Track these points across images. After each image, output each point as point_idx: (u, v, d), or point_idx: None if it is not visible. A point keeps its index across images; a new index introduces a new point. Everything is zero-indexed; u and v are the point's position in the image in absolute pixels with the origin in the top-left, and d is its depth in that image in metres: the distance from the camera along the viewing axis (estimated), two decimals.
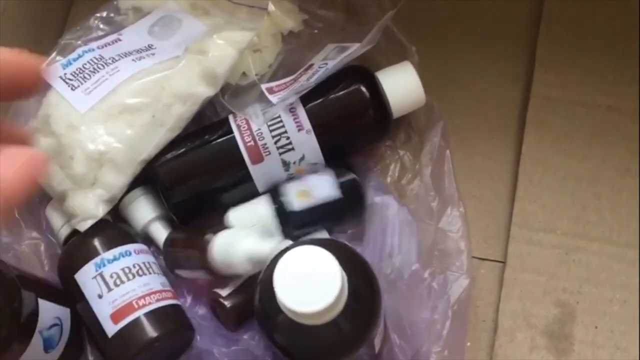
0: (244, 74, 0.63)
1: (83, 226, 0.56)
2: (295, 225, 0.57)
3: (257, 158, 0.58)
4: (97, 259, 0.55)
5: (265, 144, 0.57)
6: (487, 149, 0.64)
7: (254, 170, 0.58)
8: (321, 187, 0.58)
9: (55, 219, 0.59)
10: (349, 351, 0.47)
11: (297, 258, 0.43)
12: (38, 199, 0.62)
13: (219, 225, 0.55)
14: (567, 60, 0.64)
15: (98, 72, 0.57)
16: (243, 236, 0.52)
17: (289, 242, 0.53)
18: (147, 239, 0.60)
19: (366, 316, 0.47)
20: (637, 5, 0.64)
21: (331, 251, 0.43)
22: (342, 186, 0.58)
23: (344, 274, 0.43)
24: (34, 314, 0.51)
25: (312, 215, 0.57)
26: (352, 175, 0.59)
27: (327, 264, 0.42)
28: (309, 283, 0.42)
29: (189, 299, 0.59)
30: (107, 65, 0.58)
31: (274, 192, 0.59)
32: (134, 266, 0.55)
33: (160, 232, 0.60)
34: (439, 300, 0.55)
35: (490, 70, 0.66)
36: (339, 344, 0.46)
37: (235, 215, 0.58)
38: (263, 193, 0.59)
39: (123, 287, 0.54)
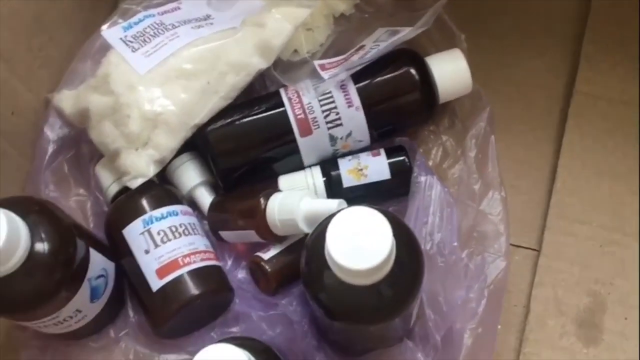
0: (295, 51, 0.65)
1: (134, 184, 0.58)
2: (342, 196, 0.58)
3: (306, 131, 0.59)
4: (145, 216, 0.57)
5: (315, 117, 0.59)
6: (528, 140, 0.65)
7: (302, 142, 0.59)
8: (373, 168, 0.59)
9: (105, 177, 0.61)
10: (386, 318, 0.48)
11: (350, 217, 0.44)
12: (87, 157, 0.64)
13: (269, 189, 0.56)
14: (611, 59, 0.66)
15: (158, 36, 0.59)
16: (303, 195, 0.54)
17: (346, 205, 0.54)
18: (192, 204, 0.62)
19: (408, 286, 0.48)
20: None
21: (384, 217, 0.44)
22: (392, 166, 0.60)
23: (393, 238, 0.44)
24: (85, 262, 0.53)
25: (361, 192, 0.59)
26: (402, 156, 0.60)
27: (379, 226, 0.44)
28: (360, 242, 0.43)
29: (229, 263, 0.61)
30: (167, 31, 0.60)
31: (325, 165, 0.60)
32: (180, 225, 0.57)
33: (205, 197, 0.61)
34: (475, 280, 0.56)
35: (536, 64, 0.67)
36: (378, 309, 0.47)
37: (286, 181, 0.59)
38: (312, 165, 0.61)
39: (170, 244, 0.56)
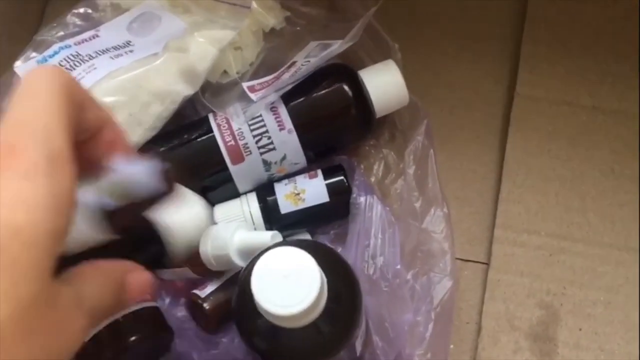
0: (224, 72, 0.62)
1: None
2: (281, 227, 0.56)
3: (238, 158, 0.57)
4: None
5: (246, 143, 0.56)
6: (471, 150, 0.63)
7: (235, 170, 0.57)
8: (311, 191, 0.57)
9: None
10: (330, 354, 0.46)
11: (275, 259, 0.42)
12: None
13: None
14: (551, 60, 0.64)
15: (74, 69, 0.56)
16: (236, 228, 0.52)
17: (280, 237, 0.52)
18: None
19: (347, 318, 0.46)
20: (620, 6, 0.64)
21: (311, 252, 0.42)
22: (330, 188, 0.57)
23: (323, 275, 0.42)
24: None
25: (300, 217, 0.56)
26: (340, 176, 0.58)
27: (306, 266, 0.41)
28: (288, 285, 0.41)
29: (167, 301, 0.58)
30: (84, 63, 0.57)
31: (261, 191, 0.58)
32: None
33: None
34: (422, 302, 0.55)
35: (474, 70, 0.65)
36: (319, 346, 0.45)
37: (221, 211, 0.57)
38: (249, 191, 0.58)
39: None
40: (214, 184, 0.58)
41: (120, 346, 0.52)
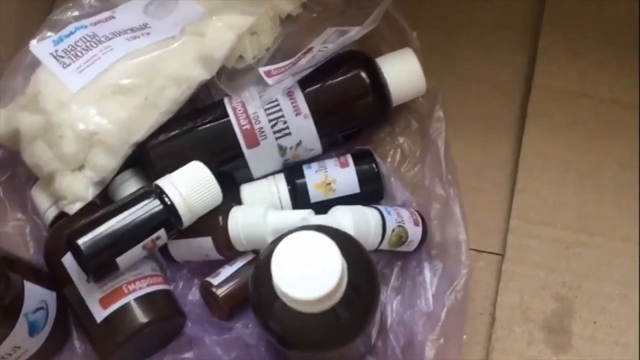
0: (240, 57, 0.61)
1: (72, 209, 0.54)
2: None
3: (253, 142, 0.56)
4: None
5: (262, 127, 0.56)
6: (487, 140, 0.63)
7: (249, 154, 0.56)
8: (342, 181, 0.56)
9: (42, 201, 0.57)
10: (346, 341, 0.46)
11: (296, 243, 0.41)
12: (24, 179, 0.60)
13: (225, 205, 0.54)
14: (570, 51, 0.63)
15: (91, 50, 0.56)
16: (267, 208, 0.52)
17: (315, 216, 0.52)
18: None
19: (365, 306, 0.46)
20: None
21: (332, 238, 0.42)
22: (361, 177, 0.57)
23: (344, 262, 0.42)
24: (20, 296, 0.49)
25: (329, 206, 0.55)
26: (372, 165, 0.57)
27: (327, 251, 0.41)
28: (308, 269, 0.41)
29: (180, 284, 0.58)
30: (100, 43, 0.56)
31: (290, 173, 0.58)
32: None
33: None
34: (436, 289, 0.54)
35: (492, 60, 0.65)
36: (335, 333, 0.45)
37: (249, 191, 0.57)
38: (277, 172, 0.58)
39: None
40: (229, 168, 0.57)
41: (132, 329, 0.52)
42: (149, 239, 0.51)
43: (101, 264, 0.50)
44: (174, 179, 0.52)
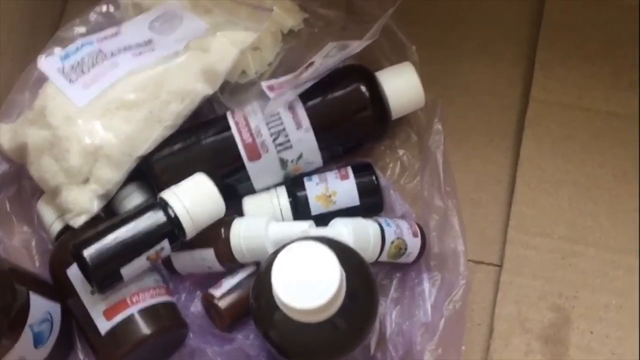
0: (243, 72, 0.63)
1: (77, 222, 0.55)
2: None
3: (255, 155, 0.57)
4: None
5: (263, 141, 0.57)
6: (485, 152, 0.63)
7: (251, 167, 0.57)
8: (342, 194, 0.57)
9: (47, 214, 0.58)
10: (345, 351, 0.47)
11: (295, 254, 0.42)
12: (30, 193, 0.61)
13: (226, 217, 0.55)
14: (567, 64, 0.64)
15: (97, 66, 0.57)
16: (268, 220, 0.53)
17: (315, 227, 0.53)
18: None
19: (363, 317, 0.47)
20: (636, 11, 0.64)
21: (331, 249, 0.43)
22: (361, 190, 0.58)
23: (343, 272, 0.43)
24: (25, 308, 0.50)
25: (330, 218, 0.56)
26: (372, 177, 0.58)
27: (326, 261, 0.42)
28: (307, 279, 0.42)
29: (183, 296, 0.59)
30: (106, 60, 0.57)
31: (291, 185, 0.59)
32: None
33: None
34: (434, 300, 0.55)
35: (490, 73, 0.66)
36: (335, 343, 0.46)
37: (251, 203, 0.58)
38: (278, 185, 0.59)
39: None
40: (231, 181, 0.58)
41: (136, 340, 0.53)
42: (153, 250, 0.52)
43: (106, 274, 0.51)
44: (178, 191, 0.53)
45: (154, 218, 0.52)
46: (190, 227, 0.53)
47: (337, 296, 0.42)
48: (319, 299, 0.41)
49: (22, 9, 0.64)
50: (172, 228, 0.52)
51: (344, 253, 0.44)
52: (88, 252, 0.50)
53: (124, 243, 0.51)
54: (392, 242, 0.55)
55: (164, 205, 0.52)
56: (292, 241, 0.44)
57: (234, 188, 0.59)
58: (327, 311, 0.42)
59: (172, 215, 0.52)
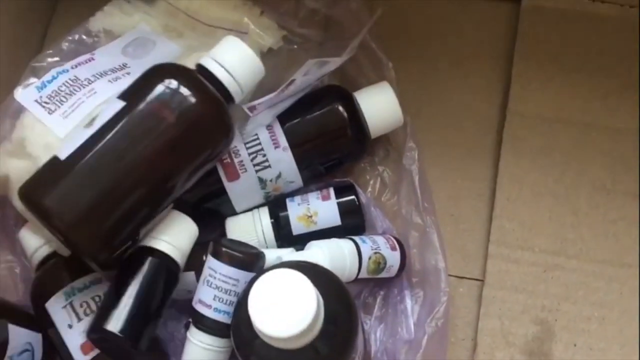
0: None
1: (64, 250, 0.55)
2: (291, 244, 0.57)
3: (233, 175, 0.57)
4: (67, 288, 0.54)
5: (241, 160, 0.57)
6: (464, 166, 0.64)
7: (230, 187, 0.57)
8: (323, 214, 0.58)
9: (29, 243, 0.58)
10: None
11: (271, 282, 0.42)
12: (13, 221, 0.61)
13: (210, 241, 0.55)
14: (543, 77, 0.65)
15: (74, 94, 0.57)
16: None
17: (290, 253, 0.53)
18: None
19: (344, 340, 0.47)
20: (611, 22, 0.65)
21: (308, 274, 0.43)
22: (343, 210, 0.58)
23: (320, 297, 0.43)
24: (4, 339, 0.50)
25: (311, 238, 0.56)
26: (353, 198, 0.59)
27: (302, 288, 0.42)
28: (284, 307, 0.42)
29: (168, 323, 0.59)
30: (83, 87, 0.57)
31: (273, 206, 0.59)
32: (104, 294, 0.54)
33: None
34: (417, 317, 0.55)
35: (467, 87, 0.66)
36: None
37: (233, 225, 0.58)
38: (260, 206, 0.59)
39: (93, 316, 0.53)
40: (212, 204, 0.58)
41: None
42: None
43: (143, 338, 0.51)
44: (157, 234, 0.53)
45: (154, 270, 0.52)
46: (180, 259, 0.53)
47: (315, 322, 0.42)
48: (297, 327, 0.41)
49: (2, 42, 0.64)
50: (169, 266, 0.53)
51: (320, 277, 0.44)
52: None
53: (143, 306, 0.51)
54: (370, 258, 0.55)
55: (152, 251, 0.52)
56: (267, 269, 0.44)
57: (216, 209, 0.59)
58: (306, 337, 0.42)
59: (163, 256, 0.52)
